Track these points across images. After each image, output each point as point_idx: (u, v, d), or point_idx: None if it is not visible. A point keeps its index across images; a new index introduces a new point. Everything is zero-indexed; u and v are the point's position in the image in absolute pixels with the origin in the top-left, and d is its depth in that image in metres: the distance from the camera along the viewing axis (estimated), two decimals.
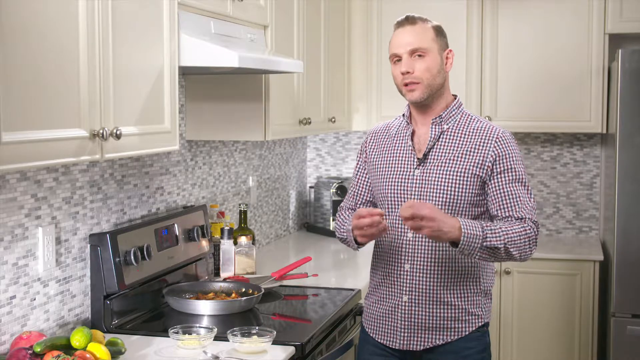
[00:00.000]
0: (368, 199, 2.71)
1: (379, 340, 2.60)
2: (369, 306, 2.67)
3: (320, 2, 4.04)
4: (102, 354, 2.25)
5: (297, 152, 4.88)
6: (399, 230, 2.53)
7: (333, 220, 4.66)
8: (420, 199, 2.50)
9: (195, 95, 3.38)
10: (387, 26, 4.61)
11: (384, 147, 2.63)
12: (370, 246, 2.73)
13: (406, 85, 2.49)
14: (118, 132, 2.18)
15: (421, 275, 2.50)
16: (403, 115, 2.63)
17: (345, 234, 2.63)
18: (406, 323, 2.54)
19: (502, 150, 2.48)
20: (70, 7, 2.03)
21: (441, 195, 2.48)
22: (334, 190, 4.64)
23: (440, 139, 2.53)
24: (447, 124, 2.54)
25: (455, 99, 2.59)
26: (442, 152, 2.51)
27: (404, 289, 2.53)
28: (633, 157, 4.09)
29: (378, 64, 4.62)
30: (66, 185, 2.60)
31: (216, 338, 2.53)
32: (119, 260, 2.69)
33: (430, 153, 2.52)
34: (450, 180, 2.48)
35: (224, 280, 3.27)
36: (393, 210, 2.55)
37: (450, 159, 2.49)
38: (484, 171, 2.47)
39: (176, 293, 2.96)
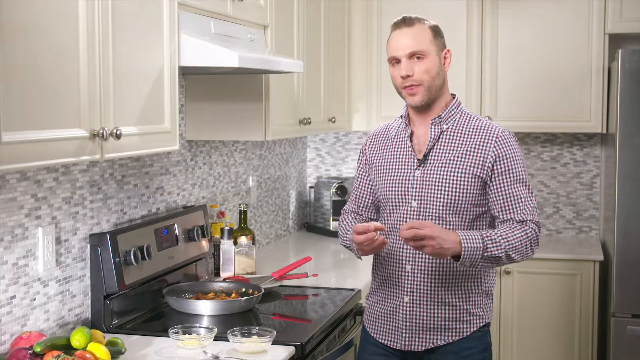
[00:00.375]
0: (370, 201, 2.71)
1: (380, 341, 2.61)
2: (370, 306, 2.67)
3: (320, 2, 4.04)
4: (102, 354, 2.25)
5: (297, 152, 4.88)
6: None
7: (333, 220, 4.66)
8: (421, 200, 2.50)
9: (195, 95, 3.38)
10: (387, 26, 4.58)
11: (384, 149, 2.63)
12: None
13: (406, 88, 2.49)
14: (118, 132, 2.18)
15: (422, 276, 2.50)
16: (401, 116, 2.62)
17: (348, 242, 2.64)
18: (407, 323, 2.54)
19: (502, 150, 2.48)
20: (70, 7, 2.03)
21: (442, 195, 2.48)
22: (334, 190, 4.64)
23: (440, 139, 2.52)
24: (447, 124, 2.53)
25: (454, 98, 2.59)
26: (442, 153, 2.51)
27: (405, 289, 2.53)
28: (633, 157, 4.09)
29: (378, 64, 4.62)
30: (66, 185, 2.60)
31: (216, 338, 2.53)
32: (119, 260, 2.69)
33: (430, 154, 2.52)
34: (451, 181, 2.47)
35: (224, 280, 3.27)
36: (395, 211, 2.55)
37: (450, 159, 2.49)
38: (485, 172, 2.47)
39: (176, 293, 2.96)
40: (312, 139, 5.10)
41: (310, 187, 4.90)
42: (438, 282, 2.50)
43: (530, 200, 2.48)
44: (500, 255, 2.39)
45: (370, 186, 2.70)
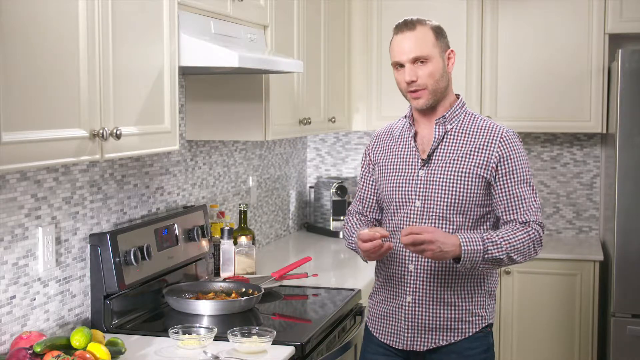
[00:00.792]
0: (375, 201, 2.71)
1: (383, 340, 2.61)
2: (372, 306, 2.67)
3: (320, 2, 4.04)
4: (102, 354, 2.25)
5: (297, 152, 4.88)
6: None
7: (333, 220, 4.66)
8: (425, 199, 2.50)
9: (195, 95, 3.38)
10: (387, 26, 4.61)
11: (388, 149, 2.63)
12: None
13: (410, 92, 2.49)
14: (118, 132, 2.18)
15: (425, 276, 2.50)
16: (405, 116, 2.62)
17: (354, 245, 2.63)
18: (410, 323, 2.54)
19: (507, 150, 2.47)
20: (70, 7, 2.03)
21: (446, 195, 2.47)
22: (334, 190, 4.64)
23: (444, 139, 2.52)
24: (451, 124, 2.53)
25: (458, 98, 2.58)
26: (446, 153, 2.50)
27: (408, 289, 2.53)
28: (633, 157, 4.09)
29: (378, 64, 4.62)
30: (66, 185, 2.60)
31: (216, 338, 2.53)
32: (119, 260, 2.69)
33: (435, 153, 2.51)
34: (455, 181, 2.47)
35: (224, 280, 3.27)
36: (399, 211, 2.55)
37: (454, 159, 2.49)
38: (488, 172, 2.47)
39: (176, 293, 2.96)
40: (312, 139, 5.10)
41: (310, 187, 4.90)
42: (441, 282, 2.50)
43: (534, 201, 2.48)
44: (501, 257, 2.39)
45: (374, 187, 2.70)
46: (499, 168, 2.47)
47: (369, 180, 2.71)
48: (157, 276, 2.95)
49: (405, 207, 2.53)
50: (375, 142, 2.70)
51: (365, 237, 2.42)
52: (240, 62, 2.63)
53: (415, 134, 2.57)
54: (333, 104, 4.27)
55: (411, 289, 2.53)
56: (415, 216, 2.51)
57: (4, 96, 1.79)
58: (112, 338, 2.42)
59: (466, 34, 4.52)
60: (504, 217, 2.48)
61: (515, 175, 2.47)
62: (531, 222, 2.45)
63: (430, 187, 2.49)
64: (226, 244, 3.39)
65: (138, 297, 2.85)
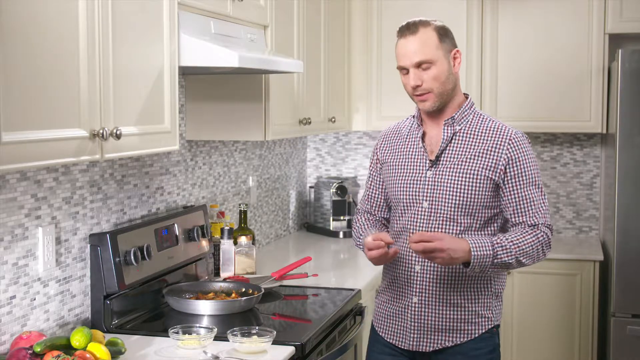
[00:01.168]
0: (383, 200, 2.71)
1: (388, 340, 2.61)
2: (379, 305, 2.67)
3: (320, 2, 4.04)
4: (102, 354, 2.25)
5: (297, 152, 4.88)
6: (410, 233, 2.53)
7: (333, 220, 4.66)
8: (432, 200, 2.49)
9: (195, 95, 3.38)
10: (387, 26, 4.64)
11: (396, 149, 2.62)
12: None
13: (416, 95, 2.49)
14: (118, 132, 2.18)
15: (431, 277, 2.50)
16: (413, 116, 2.61)
17: (361, 246, 2.63)
18: (416, 324, 2.54)
19: (515, 152, 2.46)
20: (70, 7, 2.03)
21: (453, 197, 2.47)
22: (334, 190, 4.64)
23: (453, 141, 2.51)
24: (460, 125, 2.52)
25: (467, 98, 2.56)
26: (454, 154, 2.49)
27: (414, 290, 2.53)
28: (633, 157, 4.09)
29: (378, 64, 4.62)
30: (66, 185, 2.60)
31: (216, 338, 2.53)
32: (119, 260, 2.69)
33: (443, 155, 2.50)
34: (463, 183, 2.46)
35: (224, 280, 3.27)
36: (406, 212, 2.55)
37: (462, 161, 2.48)
38: (497, 174, 2.46)
39: (176, 293, 2.96)
40: (312, 139, 5.10)
41: (310, 187, 4.90)
42: (447, 283, 2.50)
43: (543, 203, 2.47)
44: (510, 261, 2.39)
45: (382, 186, 2.70)
46: (508, 170, 2.46)
47: (377, 180, 2.71)
48: (157, 276, 2.95)
49: (412, 208, 2.53)
50: (383, 141, 2.69)
51: (371, 246, 2.43)
52: (240, 62, 2.63)
53: (424, 135, 2.56)
54: (333, 104, 4.27)
55: (417, 290, 2.53)
56: (422, 217, 2.51)
57: (4, 96, 1.79)
58: (112, 338, 2.42)
59: (466, 34, 4.52)
60: (513, 219, 2.47)
61: (524, 178, 2.46)
62: (540, 225, 2.45)
63: (438, 188, 2.49)
64: (226, 244, 3.39)
65: (138, 297, 2.85)
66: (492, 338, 2.57)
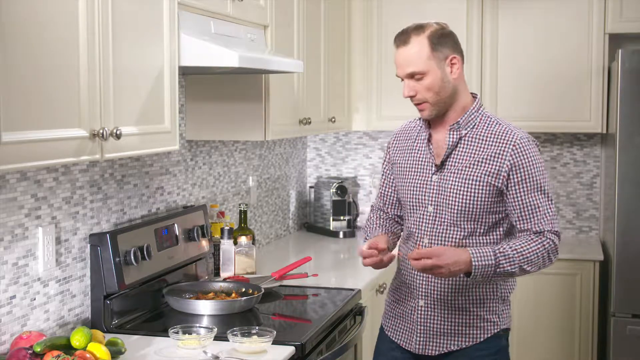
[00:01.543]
0: (395, 199, 2.72)
1: (395, 340, 2.62)
2: (388, 304, 2.69)
3: (320, 2, 4.04)
4: (102, 354, 2.25)
5: (297, 152, 4.88)
6: (415, 236, 2.54)
7: (333, 220, 4.66)
8: (437, 205, 2.48)
9: (195, 95, 3.38)
10: (387, 26, 4.63)
11: (405, 150, 2.62)
12: None
13: (415, 104, 2.48)
14: (118, 132, 2.18)
15: (437, 281, 2.50)
16: (420, 117, 2.60)
17: None
18: (422, 327, 2.54)
19: (519, 158, 2.42)
20: (70, 7, 2.03)
21: (457, 203, 2.45)
22: (334, 190, 4.64)
23: (459, 146, 2.48)
24: (466, 130, 2.48)
25: (475, 100, 2.52)
26: (459, 159, 2.47)
27: (421, 293, 2.53)
28: (633, 157, 4.09)
29: (378, 64, 4.62)
30: (66, 185, 2.60)
31: (216, 338, 2.53)
32: (119, 260, 2.69)
33: (448, 160, 2.48)
34: (466, 189, 2.44)
35: (224, 280, 3.27)
36: (413, 214, 2.55)
37: (466, 167, 2.45)
38: (500, 181, 2.42)
39: (176, 293, 2.96)
40: (312, 139, 5.10)
41: (310, 187, 4.90)
42: (453, 287, 2.49)
43: (549, 209, 2.43)
44: (513, 270, 2.37)
45: (393, 184, 2.70)
46: (511, 176, 2.42)
47: (389, 178, 2.71)
48: (157, 276, 2.95)
49: (418, 211, 2.53)
50: (394, 141, 2.69)
51: (365, 254, 2.45)
52: (240, 62, 2.63)
53: (430, 137, 2.54)
54: (333, 104, 4.27)
55: (423, 294, 2.53)
56: (427, 221, 2.51)
57: (4, 96, 1.79)
58: (112, 338, 2.42)
59: (466, 34, 4.52)
60: (518, 226, 2.44)
61: (528, 184, 2.42)
62: (546, 232, 2.42)
63: (443, 193, 2.47)
64: (226, 244, 3.39)
65: (138, 297, 2.85)
66: (497, 340, 2.54)
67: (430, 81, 2.42)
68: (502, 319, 2.55)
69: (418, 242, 2.52)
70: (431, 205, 2.50)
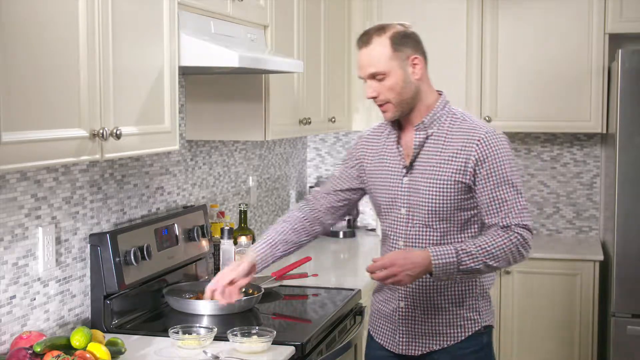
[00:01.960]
0: (336, 202, 2.65)
1: (379, 342, 2.61)
2: (373, 304, 2.68)
3: (320, 2, 4.04)
4: (102, 354, 2.25)
5: (297, 152, 4.88)
6: (391, 239, 2.52)
7: None
8: (409, 207, 2.46)
9: (195, 95, 3.38)
10: None
11: (375, 153, 2.58)
12: (374, 245, 2.73)
13: (378, 105, 2.45)
14: (118, 132, 2.18)
15: (417, 283, 2.48)
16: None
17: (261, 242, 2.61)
18: (404, 328, 2.54)
19: (484, 152, 2.38)
20: (70, 7, 2.03)
21: (428, 203, 2.43)
22: None
23: (426, 145, 2.45)
24: (432, 129, 2.45)
25: (440, 98, 2.49)
26: (427, 159, 2.45)
27: (401, 295, 2.53)
28: (633, 157, 4.09)
29: None
30: (66, 185, 2.60)
31: (216, 338, 2.53)
32: (119, 260, 2.69)
33: (417, 160, 2.46)
34: (435, 189, 2.42)
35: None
36: (387, 217, 2.53)
37: (434, 166, 2.43)
38: (467, 177, 2.39)
39: (176, 293, 2.96)
40: (312, 139, 5.10)
41: (310, 187, 4.90)
42: (432, 287, 2.48)
43: (518, 202, 2.38)
44: (478, 267, 2.33)
45: (348, 185, 2.63)
46: (477, 171, 2.38)
47: (347, 175, 2.64)
48: (157, 276, 2.95)
49: (392, 214, 2.51)
50: (363, 144, 2.63)
51: (207, 295, 2.48)
52: (240, 62, 2.63)
53: (399, 138, 2.52)
54: (333, 104, 4.27)
55: (404, 295, 2.52)
56: (401, 223, 2.49)
57: (4, 96, 1.79)
58: (112, 338, 2.42)
59: (466, 34, 4.52)
60: (486, 220, 2.41)
61: (494, 177, 2.38)
62: (513, 226, 2.36)
63: (414, 195, 2.45)
64: (226, 244, 3.39)
65: (138, 297, 2.85)
66: (479, 337, 2.53)
67: (392, 82, 2.39)
68: (483, 316, 2.53)
69: (393, 245, 2.51)
70: (404, 207, 2.47)
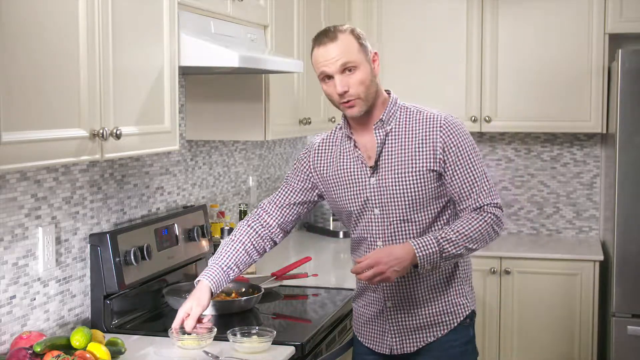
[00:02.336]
0: (290, 214, 2.61)
1: (368, 346, 2.60)
2: (357, 309, 2.65)
3: (320, 2, 4.04)
4: (102, 354, 2.25)
5: (297, 152, 4.88)
6: (368, 241, 2.51)
7: (333, 220, 4.66)
8: (382, 206, 2.45)
9: (195, 95, 3.38)
10: (387, 26, 4.64)
11: (331, 162, 2.55)
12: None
13: (343, 103, 2.41)
14: (118, 132, 2.18)
15: (399, 279, 2.48)
16: (340, 128, 2.56)
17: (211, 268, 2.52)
18: (394, 328, 2.53)
19: (448, 137, 2.41)
20: (70, 7, 2.03)
21: (402, 198, 2.43)
22: None
23: (387, 142, 2.46)
24: (390, 125, 2.46)
25: (390, 96, 2.51)
26: (391, 155, 2.44)
27: (387, 294, 2.52)
28: (633, 157, 4.09)
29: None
30: (66, 185, 2.60)
31: (216, 338, 2.53)
32: (119, 260, 2.69)
33: (381, 159, 2.45)
34: (407, 182, 2.42)
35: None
36: (360, 221, 2.51)
37: (401, 160, 2.43)
38: (437, 164, 2.41)
39: (176, 293, 2.96)
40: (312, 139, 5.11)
41: None
42: (415, 281, 2.48)
43: (485, 183, 2.43)
44: (459, 252, 2.37)
45: (303, 190, 2.61)
46: (445, 157, 2.41)
47: (299, 186, 2.60)
48: (157, 276, 2.95)
49: (365, 217, 2.50)
50: (315, 155, 2.59)
51: (176, 325, 2.42)
52: (240, 62, 2.63)
53: (356, 143, 2.50)
54: None
55: (389, 294, 2.51)
56: (376, 223, 2.48)
57: (4, 96, 1.79)
58: (112, 338, 2.42)
59: (466, 34, 4.52)
60: (459, 204, 2.44)
61: (461, 162, 2.41)
62: (485, 206, 2.41)
63: (385, 193, 2.45)
64: None
65: (138, 297, 2.85)
66: (466, 329, 2.54)
67: (362, 75, 2.39)
68: (469, 300, 2.55)
69: (372, 247, 2.49)
70: (377, 207, 2.46)
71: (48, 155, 1.96)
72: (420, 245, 2.33)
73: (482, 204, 2.42)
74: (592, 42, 4.40)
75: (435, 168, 2.42)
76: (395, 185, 2.43)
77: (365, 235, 2.51)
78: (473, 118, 4.54)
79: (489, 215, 2.41)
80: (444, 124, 2.43)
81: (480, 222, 2.39)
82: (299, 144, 4.92)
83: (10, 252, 2.36)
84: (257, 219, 2.61)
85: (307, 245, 4.39)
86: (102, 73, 2.16)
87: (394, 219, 2.46)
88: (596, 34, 4.39)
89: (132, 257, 2.73)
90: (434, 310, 2.50)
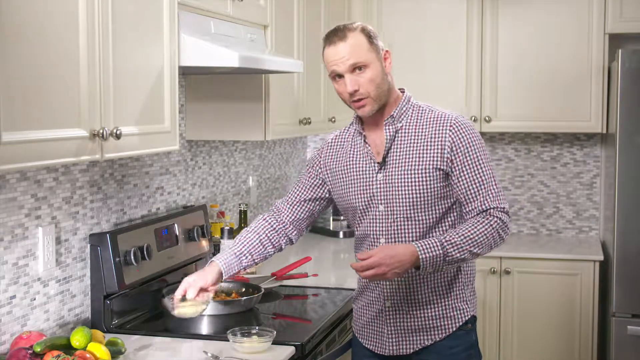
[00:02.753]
0: (305, 211, 2.62)
1: (368, 346, 2.60)
2: (357, 310, 2.65)
3: (320, 2, 4.04)
4: (102, 354, 2.25)
5: (297, 152, 4.88)
6: (371, 238, 2.51)
7: (333, 220, 4.66)
8: (387, 203, 2.45)
9: (195, 95, 3.38)
10: (387, 26, 4.64)
11: (341, 158, 2.56)
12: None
13: (354, 102, 2.42)
14: (118, 132, 2.18)
15: (400, 279, 2.47)
16: (351, 124, 2.57)
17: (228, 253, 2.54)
18: (392, 328, 2.52)
19: (457, 137, 2.41)
20: (70, 7, 2.03)
21: (408, 196, 2.43)
22: None
23: (396, 139, 2.46)
24: (400, 122, 2.47)
25: (403, 93, 2.52)
26: (400, 152, 2.45)
27: (386, 294, 2.51)
28: (633, 157, 4.09)
29: None
30: (66, 185, 2.60)
31: (216, 338, 2.53)
32: (119, 260, 2.69)
33: (389, 155, 2.46)
34: (414, 179, 2.42)
35: (224, 280, 3.26)
36: (365, 217, 2.51)
37: (409, 158, 2.43)
38: (444, 163, 2.41)
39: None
40: (312, 139, 5.10)
41: None
42: (416, 283, 2.47)
43: (493, 186, 2.41)
44: (463, 256, 2.34)
45: (314, 195, 2.62)
46: (453, 157, 2.40)
47: (311, 184, 2.62)
48: (157, 276, 2.95)
49: (369, 213, 2.49)
50: (326, 151, 2.61)
51: (177, 294, 2.42)
52: (240, 62, 2.63)
53: (366, 139, 2.51)
54: (333, 103, 4.26)
55: (389, 294, 2.51)
56: (380, 220, 2.47)
57: (4, 96, 1.79)
58: (112, 338, 2.42)
59: (466, 34, 4.52)
60: (465, 205, 2.43)
61: (469, 162, 2.40)
62: (491, 210, 2.39)
63: (391, 189, 2.44)
64: (226, 244, 3.39)
65: (138, 297, 2.85)
66: (468, 335, 2.53)
67: (372, 73, 2.39)
68: (470, 305, 2.53)
69: (374, 244, 2.49)
70: (382, 204, 2.46)
71: (48, 155, 1.96)
72: (424, 247, 2.31)
73: (488, 207, 2.40)
74: (592, 42, 4.40)
75: (442, 167, 2.41)
76: (401, 182, 2.43)
77: (369, 232, 2.51)
78: (473, 118, 4.54)
79: (495, 219, 2.38)
80: (454, 124, 2.42)
81: (486, 227, 2.36)
82: (299, 144, 4.92)
83: (10, 252, 2.36)
84: (272, 215, 2.64)
85: (307, 245, 4.39)
86: (102, 73, 2.16)
87: (398, 216, 2.45)
88: (596, 34, 4.40)
89: (132, 257, 2.73)
90: (433, 314, 2.49)
